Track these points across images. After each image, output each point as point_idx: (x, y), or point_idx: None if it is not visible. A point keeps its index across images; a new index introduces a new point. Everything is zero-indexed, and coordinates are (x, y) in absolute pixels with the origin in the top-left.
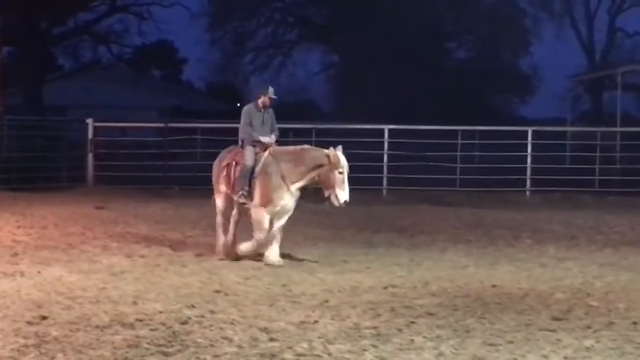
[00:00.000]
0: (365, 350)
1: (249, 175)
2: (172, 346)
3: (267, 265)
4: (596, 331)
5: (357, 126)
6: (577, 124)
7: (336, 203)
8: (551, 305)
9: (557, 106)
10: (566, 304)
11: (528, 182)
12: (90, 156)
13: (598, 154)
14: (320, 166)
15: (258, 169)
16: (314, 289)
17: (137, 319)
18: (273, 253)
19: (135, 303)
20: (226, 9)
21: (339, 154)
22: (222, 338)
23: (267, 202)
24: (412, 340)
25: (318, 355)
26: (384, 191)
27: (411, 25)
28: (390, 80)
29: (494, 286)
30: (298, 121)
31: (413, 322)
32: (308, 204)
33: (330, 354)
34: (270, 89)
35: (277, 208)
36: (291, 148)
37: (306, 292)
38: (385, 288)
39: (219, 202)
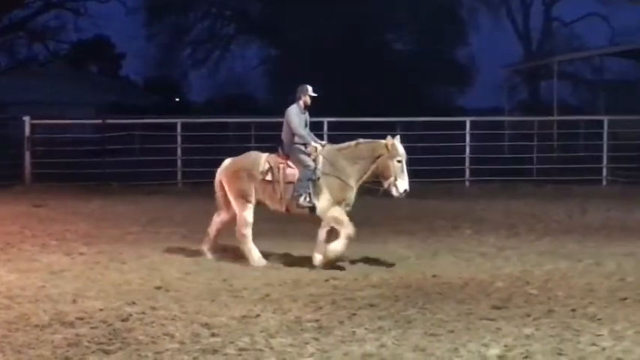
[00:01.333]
0: (307, 343)
1: (312, 178)
2: (113, 343)
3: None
4: (536, 319)
5: None
6: (514, 114)
7: (395, 193)
8: (491, 294)
9: (495, 96)
10: (506, 293)
11: (467, 172)
12: (27, 154)
13: (536, 143)
14: (378, 157)
15: (319, 170)
16: (255, 283)
17: (77, 318)
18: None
19: (75, 301)
20: (162, 3)
21: (396, 142)
22: (164, 334)
23: (337, 202)
24: (354, 332)
25: (260, 350)
26: None
27: (350, 18)
28: (329, 73)
29: (434, 276)
30: (238, 115)
31: (354, 314)
32: None
33: (272, 348)
34: (310, 88)
35: (347, 208)
36: (345, 144)
37: (247, 286)
38: (326, 280)
39: (250, 214)
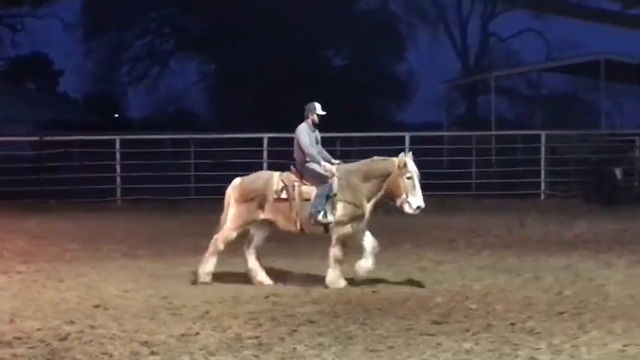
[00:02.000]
0: None
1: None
2: None
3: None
4: (475, 333)
5: (236, 135)
6: (453, 129)
7: (409, 210)
8: (431, 309)
9: (434, 111)
10: (445, 308)
11: None
12: None
13: (474, 157)
14: (389, 175)
15: (335, 186)
16: (195, 301)
17: (15, 337)
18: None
19: (12, 321)
20: (100, 20)
21: (406, 159)
22: (102, 354)
23: (351, 220)
24: (294, 349)
25: None
26: None
27: (288, 33)
28: (268, 89)
29: (374, 291)
30: (176, 131)
31: (294, 331)
32: (189, 214)
33: None
34: (318, 106)
35: (361, 225)
36: (358, 162)
37: (186, 303)
38: (266, 297)
39: (234, 235)
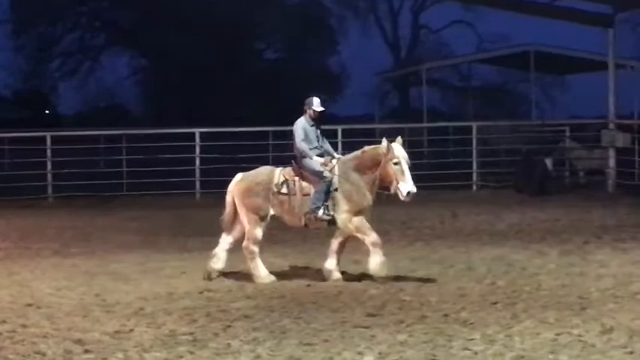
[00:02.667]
0: (181, 357)
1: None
2: None
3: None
4: (410, 325)
5: (169, 130)
6: (386, 121)
7: (401, 198)
8: (365, 302)
9: (367, 104)
10: (380, 300)
11: None
12: None
13: (406, 150)
14: (379, 163)
15: (335, 181)
16: (129, 298)
17: None
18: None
19: None
20: (29, 14)
21: (393, 145)
22: (35, 353)
23: (355, 213)
24: (229, 344)
25: None
26: (198, 195)
27: (220, 27)
28: (201, 83)
29: (309, 285)
30: (109, 127)
31: (229, 326)
32: (122, 210)
33: None
34: (315, 101)
35: (365, 217)
36: (353, 154)
37: (120, 300)
38: (201, 293)
39: (260, 231)
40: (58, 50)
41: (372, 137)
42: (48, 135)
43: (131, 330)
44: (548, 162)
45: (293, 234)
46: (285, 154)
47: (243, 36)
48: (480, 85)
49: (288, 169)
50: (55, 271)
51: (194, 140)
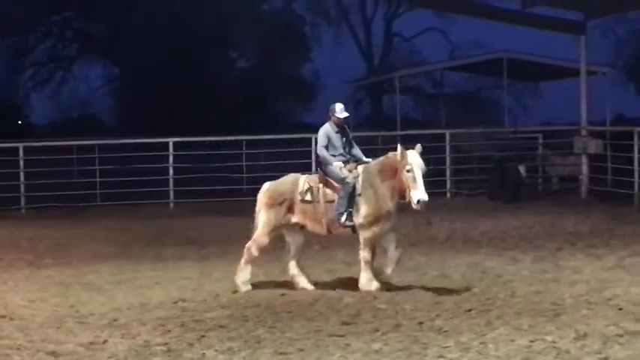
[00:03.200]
0: None
1: (352, 194)
2: None
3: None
4: (384, 333)
5: (142, 140)
6: (360, 129)
7: (413, 206)
8: (340, 310)
9: None
10: (354, 309)
11: None
12: None
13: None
14: (396, 170)
15: (359, 187)
16: (103, 308)
17: None
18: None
19: None
20: (1, 24)
21: (406, 151)
22: None
23: (375, 220)
24: (203, 354)
25: None
26: (172, 204)
27: (193, 36)
28: (173, 92)
29: (283, 294)
30: (82, 137)
31: (204, 336)
32: (96, 220)
33: None
34: (338, 107)
35: (386, 226)
36: (377, 160)
37: (94, 311)
38: (175, 303)
39: (266, 240)
40: (31, 60)
41: None
42: (20, 146)
43: (105, 341)
44: (522, 169)
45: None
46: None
47: (215, 45)
48: (453, 92)
49: (314, 177)
50: (29, 282)
51: (168, 150)
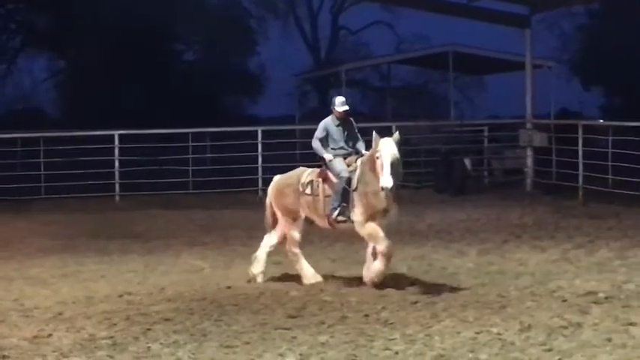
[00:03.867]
0: None
1: (346, 189)
2: None
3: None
4: (331, 326)
5: (87, 133)
6: (306, 122)
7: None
8: (286, 303)
9: (287, 105)
10: (300, 302)
11: (260, 181)
12: None
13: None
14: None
15: (354, 181)
16: (47, 302)
17: None
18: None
19: None
20: None
21: (380, 139)
22: None
23: (370, 214)
24: (149, 348)
25: None
26: (117, 197)
27: (138, 28)
28: (119, 84)
29: (229, 287)
30: (26, 130)
31: (149, 330)
32: (40, 214)
33: None
34: (338, 101)
35: (383, 221)
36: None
37: (39, 305)
38: (120, 296)
39: (297, 231)
40: None
41: (293, 138)
42: None
43: (50, 335)
44: (467, 162)
45: (214, 236)
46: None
47: (162, 37)
48: (399, 85)
49: (317, 170)
50: None
51: (113, 142)
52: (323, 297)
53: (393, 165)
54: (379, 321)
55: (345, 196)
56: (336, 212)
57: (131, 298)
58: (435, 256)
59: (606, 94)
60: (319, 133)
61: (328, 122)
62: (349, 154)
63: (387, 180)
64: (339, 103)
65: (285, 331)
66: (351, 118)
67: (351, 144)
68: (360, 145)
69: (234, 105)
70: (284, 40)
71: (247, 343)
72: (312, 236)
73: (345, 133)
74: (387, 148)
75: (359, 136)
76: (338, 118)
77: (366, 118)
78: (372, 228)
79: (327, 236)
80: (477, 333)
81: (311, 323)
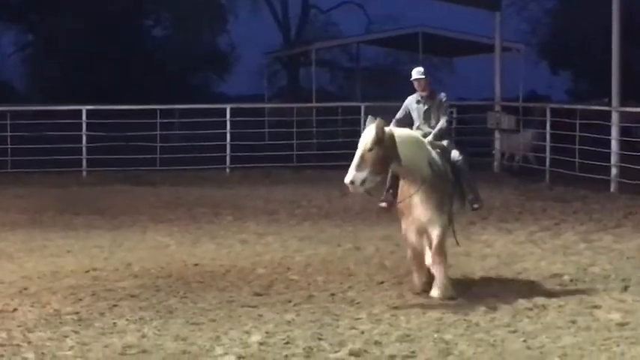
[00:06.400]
0: (66, 337)
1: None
2: None
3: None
4: (297, 304)
5: (55, 107)
6: (275, 101)
7: None
8: (252, 281)
9: (256, 83)
10: (267, 280)
11: (228, 159)
12: None
13: (295, 129)
14: None
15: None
16: (12, 277)
17: None
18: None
19: None
20: None
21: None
22: None
23: (399, 211)
24: (114, 324)
25: (18, 345)
26: (84, 173)
27: (108, 2)
28: (88, 59)
29: (196, 264)
30: None
31: (115, 305)
32: (6, 188)
33: (30, 342)
34: (414, 71)
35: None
36: None
37: (4, 279)
38: (86, 272)
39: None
40: None
41: (262, 116)
42: None
43: (15, 309)
44: None
45: (180, 213)
46: (172, 133)
47: (131, 13)
48: (368, 66)
49: None
50: None
51: (81, 118)
52: (290, 275)
53: (364, 157)
54: (345, 300)
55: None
56: (382, 198)
57: (97, 274)
58: (402, 236)
59: (574, 78)
60: (401, 112)
61: (409, 100)
62: (425, 135)
63: (348, 175)
64: (415, 73)
65: (251, 308)
66: (444, 94)
67: (431, 123)
68: (440, 122)
69: (202, 82)
70: (254, 18)
71: (213, 320)
72: (280, 214)
73: (425, 109)
74: (362, 137)
75: (441, 114)
76: (420, 94)
77: (335, 97)
78: (406, 229)
79: (295, 215)
80: (443, 313)
81: (277, 301)
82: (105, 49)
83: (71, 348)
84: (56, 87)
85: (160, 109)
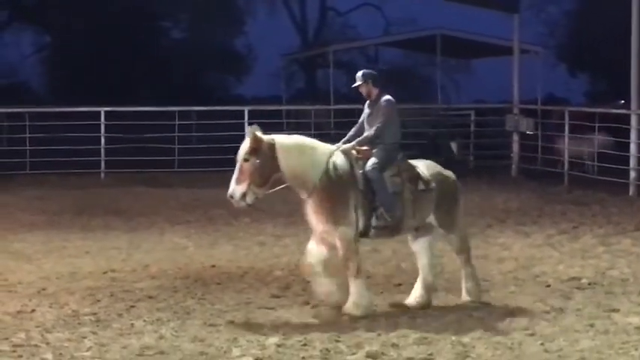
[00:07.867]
0: (84, 337)
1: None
2: None
3: None
4: (314, 306)
5: (73, 109)
6: (292, 102)
7: None
8: (270, 283)
9: (273, 85)
10: (284, 281)
11: None
12: None
13: (313, 131)
14: None
15: None
16: (31, 277)
17: None
18: None
19: None
20: None
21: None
22: None
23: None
24: (132, 325)
25: (36, 345)
26: (102, 174)
27: (126, 4)
28: (105, 61)
29: (213, 266)
30: (11, 105)
31: (133, 307)
32: (25, 189)
33: (48, 343)
34: (357, 75)
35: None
36: None
37: (22, 280)
38: (104, 273)
39: None
40: None
41: (279, 119)
42: None
43: (33, 310)
44: (454, 146)
45: (198, 215)
46: (190, 135)
47: (149, 14)
48: (386, 68)
49: None
50: None
51: (99, 119)
52: (307, 278)
53: (242, 169)
54: None
55: None
56: None
57: (115, 275)
58: None
59: (592, 80)
60: (360, 118)
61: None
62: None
63: (229, 188)
64: (357, 78)
65: (269, 310)
66: (385, 99)
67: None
68: (365, 133)
69: (220, 84)
70: (271, 20)
71: (231, 321)
72: (297, 217)
73: (370, 115)
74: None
75: (379, 121)
76: (367, 98)
77: (352, 99)
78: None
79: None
80: (460, 317)
81: (294, 303)
82: (123, 50)
83: (89, 349)
84: (74, 88)
85: (178, 111)
